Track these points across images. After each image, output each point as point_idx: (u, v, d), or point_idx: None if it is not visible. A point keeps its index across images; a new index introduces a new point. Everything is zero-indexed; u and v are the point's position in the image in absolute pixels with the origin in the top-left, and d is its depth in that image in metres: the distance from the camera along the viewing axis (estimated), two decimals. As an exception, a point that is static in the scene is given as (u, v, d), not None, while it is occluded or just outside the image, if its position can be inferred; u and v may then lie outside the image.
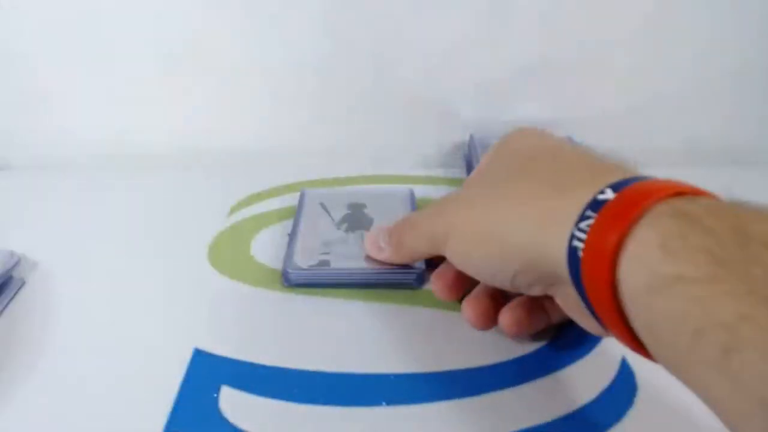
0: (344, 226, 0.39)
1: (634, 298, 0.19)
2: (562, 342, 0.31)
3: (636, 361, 0.30)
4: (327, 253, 0.36)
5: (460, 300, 0.31)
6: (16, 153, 0.51)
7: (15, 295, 0.34)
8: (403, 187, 0.44)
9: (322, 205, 0.41)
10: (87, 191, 0.46)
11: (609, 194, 0.21)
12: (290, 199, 0.45)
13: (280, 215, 0.43)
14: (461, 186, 0.32)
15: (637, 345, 0.20)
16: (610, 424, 0.26)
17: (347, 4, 0.46)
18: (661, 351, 0.19)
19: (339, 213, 0.41)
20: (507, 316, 0.29)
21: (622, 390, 0.28)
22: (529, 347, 0.31)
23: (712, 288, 0.16)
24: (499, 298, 0.30)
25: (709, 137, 0.52)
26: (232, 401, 0.27)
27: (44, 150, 0.51)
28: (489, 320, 0.30)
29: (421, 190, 0.44)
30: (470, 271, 0.28)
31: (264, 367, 0.29)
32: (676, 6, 0.47)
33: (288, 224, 0.41)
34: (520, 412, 0.27)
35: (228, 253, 0.39)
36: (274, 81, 0.49)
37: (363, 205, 0.41)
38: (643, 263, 0.19)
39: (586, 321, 0.26)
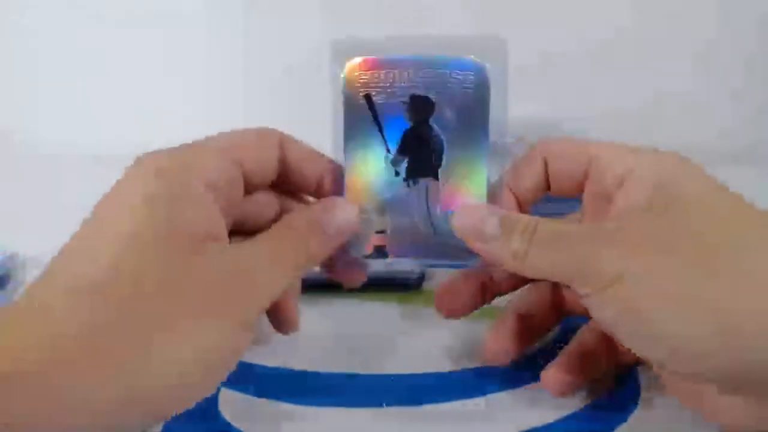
0: (404, 162, 0.26)
1: None
2: (564, 343, 0.31)
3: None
4: (383, 232, 0.26)
5: None
6: (15, 153, 0.51)
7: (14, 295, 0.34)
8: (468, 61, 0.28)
9: (372, 110, 0.27)
10: (86, 191, 0.46)
11: None
12: (290, 200, 0.44)
13: (280, 216, 0.43)
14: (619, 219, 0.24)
15: None
16: (613, 426, 0.26)
17: (347, 4, 0.46)
18: None
19: (396, 127, 0.26)
20: (559, 375, 0.26)
21: (627, 391, 0.28)
22: (531, 348, 0.30)
23: None
24: (525, 330, 0.28)
25: (710, 137, 0.52)
26: (231, 402, 0.27)
27: (43, 150, 0.51)
28: (511, 355, 0.28)
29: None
30: (637, 338, 0.22)
31: (263, 367, 0.29)
32: (678, 5, 0.47)
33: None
34: (522, 413, 0.27)
35: (228, 254, 0.38)
36: (274, 81, 0.49)
37: (426, 99, 0.26)
38: None
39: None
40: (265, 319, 0.26)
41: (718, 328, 0.19)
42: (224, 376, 0.21)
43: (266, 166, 0.26)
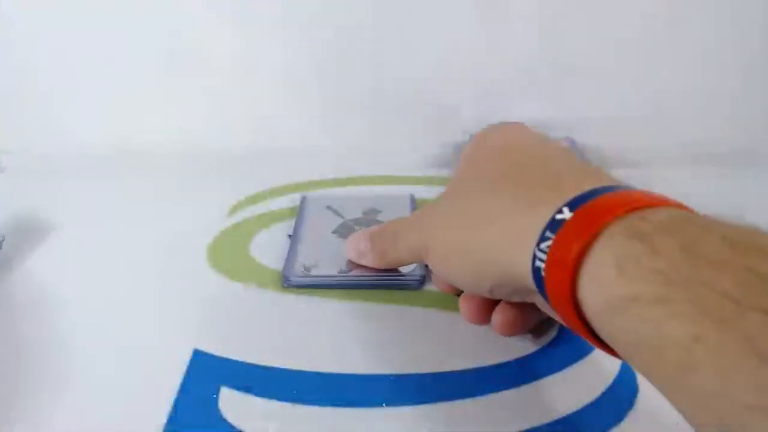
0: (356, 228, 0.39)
1: (595, 317, 0.20)
2: (563, 343, 0.31)
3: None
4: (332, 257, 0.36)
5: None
6: (15, 154, 0.51)
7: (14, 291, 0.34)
8: (403, 191, 0.44)
9: (330, 208, 0.41)
10: (86, 192, 0.46)
11: (566, 214, 0.21)
12: (290, 200, 0.45)
13: (279, 216, 0.43)
14: (443, 193, 0.32)
15: (610, 351, 0.21)
16: (610, 426, 0.26)
17: (348, 5, 0.46)
18: (628, 361, 0.20)
19: (351, 214, 0.41)
20: (498, 316, 0.29)
21: (623, 391, 0.28)
22: (530, 348, 0.31)
23: (665, 309, 0.17)
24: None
25: (709, 137, 0.52)
26: (231, 402, 0.27)
27: (43, 151, 0.51)
28: (484, 316, 0.30)
29: (421, 191, 0.44)
30: (453, 282, 0.30)
31: (264, 367, 0.29)
32: (677, 6, 0.47)
33: (288, 225, 0.41)
34: (520, 413, 0.27)
35: (227, 254, 0.38)
36: (274, 81, 0.49)
37: (376, 210, 0.41)
38: (600, 284, 0.19)
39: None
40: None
41: (474, 268, 0.26)
42: None
43: None
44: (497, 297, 0.28)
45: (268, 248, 0.39)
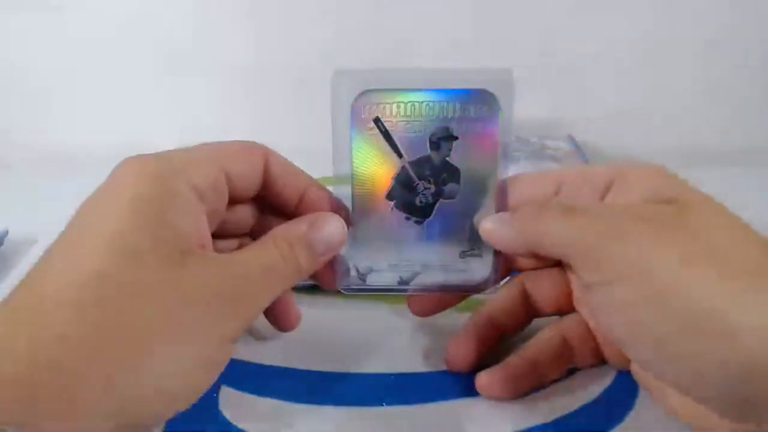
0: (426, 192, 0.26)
1: None
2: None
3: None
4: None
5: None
6: (16, 153, 0.51)
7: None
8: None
9: (387, 139, 0.26)
10: (87, 191, 0.46)
11: None
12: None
13: (280, 215, 0.43)
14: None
15: None
16: (610, 426, 0.26)
17: (348, 5, 0.46)
18: None
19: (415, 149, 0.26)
20: (496, 378, 0.26)
21: (623, 391, 0.28)
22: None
23: None
24: (489, 336, 0.28)
25: (709, 137, 0.52)
26: (231, 401, 0.27)
27: (44, 150, 0.51)
28: (471, 365, 0.28)
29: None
30: (651, 358, 0.20)
31: (264, 367, 0.29)
32: (677, 7, 0.47)
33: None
34: (520, 412, 0.27)
35: (228, 253, 0.38)
36: (274, 81, 0.49)
37: (448, 131, 0.26)
38: None
39: None
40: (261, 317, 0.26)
41: (708, 337, 0.18)
42: (205, 389, 0.21)
43: (251, 179, 0.25)
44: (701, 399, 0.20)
45: (268, 248, 0.39)
